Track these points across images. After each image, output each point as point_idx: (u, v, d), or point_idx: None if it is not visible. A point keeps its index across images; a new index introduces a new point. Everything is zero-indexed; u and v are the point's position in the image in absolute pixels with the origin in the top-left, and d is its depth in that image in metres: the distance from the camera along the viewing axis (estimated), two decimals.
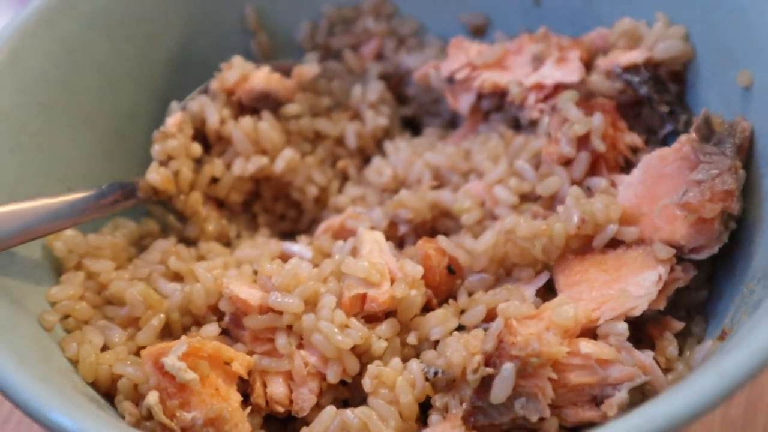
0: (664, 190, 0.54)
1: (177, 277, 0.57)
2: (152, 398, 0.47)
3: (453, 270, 0.55)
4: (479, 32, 0.70)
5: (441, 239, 0.56)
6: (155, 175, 0.59)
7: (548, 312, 0.49)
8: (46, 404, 0.41)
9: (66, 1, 0.59)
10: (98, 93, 0.62)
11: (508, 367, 0.46)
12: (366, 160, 0.67)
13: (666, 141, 0.61)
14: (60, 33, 0.59)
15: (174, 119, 0.60)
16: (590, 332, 0.50)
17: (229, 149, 0.63)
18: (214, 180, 0.62)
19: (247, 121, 0.62)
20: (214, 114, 0.61)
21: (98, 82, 0.62)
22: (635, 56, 0.60)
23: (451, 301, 0.55)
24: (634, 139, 0.60)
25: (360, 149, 0.67)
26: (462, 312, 0.54)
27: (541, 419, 0.47)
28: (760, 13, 0.54)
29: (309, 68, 0.65)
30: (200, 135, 0.62)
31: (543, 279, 0.55)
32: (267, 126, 0.62)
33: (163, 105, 0.64)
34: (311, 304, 0.52)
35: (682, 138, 0.54)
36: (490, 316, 0.52)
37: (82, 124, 0.61)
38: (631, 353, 0.48)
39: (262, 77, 0.63)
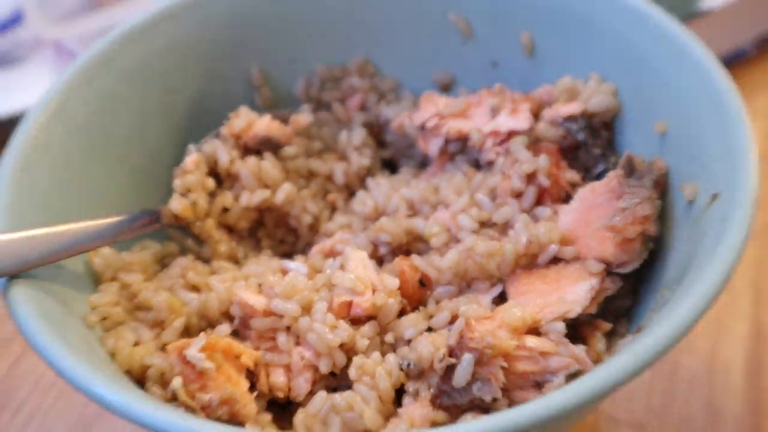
0: (595, 216, 0.59)
1: (194, 288, 0.61)
2: (177, 383, 0.52)
3: (424, 283, 0.60)
4: (446, 88, 0.75)
5: (414, 258, 0.61)
6: (177, 205, 0.63)
7: (500, 314, 0.54)
8: (92, 382, 0.46)
9: (102, 62, 0.64)
10: (129, 137, 0.66)
11: (467, 358, 0.51)
12: (351, 194, 0.71)
13: (599, 177, 0.65)
14: (98, 88, 0.64)
15: (191, 159, 0.64)
16: (535, 331, 0.54)
17: (237, 184, 0.66)
18: (225, 209, 0.66)
19: (252, 160, 0.66)
20: (225, 155, 0.65)
21: (129, 128, 0.66)
22: (573, 108, 0.65)
23: (421, 308, 0.59)
24: (573, 176, 0.65)
25: (347, 185, 0.71)
26: (431, 317, 0.59)
27: (494, 400, 0.52)
28: (674, 74, 0.59)
29: (304, 117, 0.70)
30: (213, 172, 0.66)
31: (497, 290, 0.60)
32: (269, 165, 0.66)
33: (182, 147, 0.68)
34: (306, 309, 0.57)
35: (610, 174, 0.60)
36: (454, 320, 0.57)
37: (116, 162, 0.65)
38: (567, 347, 0.53)
39: (265, 124, 0.68)
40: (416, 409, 0.52)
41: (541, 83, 0.69)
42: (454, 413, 0.53)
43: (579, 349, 0.53)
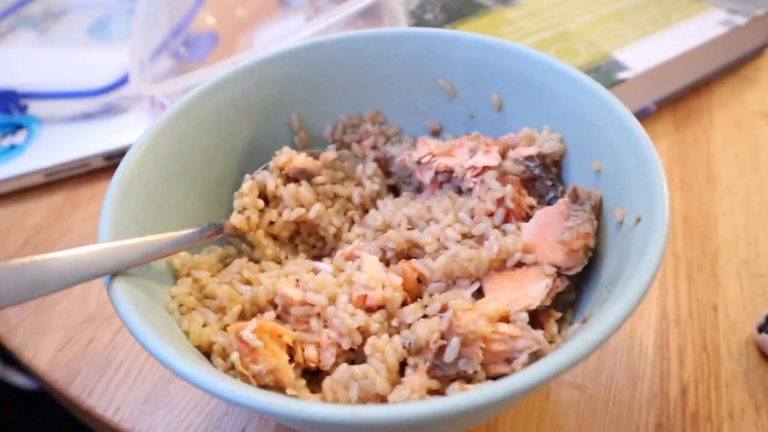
0: (549, 231, 0.56)
1: (248, 282, 0.59)
2: (235, 356, 0.49)
3: (420, 280, 0.57)
4: (436, 134, 0.72)
5: (413, 261, 0.58)
6: (235, 220, 0.61)
7: (480, 306, 0.51)
8: (173, 358, 0.43)
9: (182, 112, 0.62)
10: (200, 168, 0.63)
11: (455, 340, 0.49)
12: (366, 211, 0.68)
13: (550, 202, 0.63)
14: (179, 131, 0.61)
15: (247, 185, 0.62)
16: (505, 319, 0.52)
17: (280, 203, 0.64)
18: (271, 223, 0.63)
19: (291, 186, 0.64)
20: (272, 182, 0.63)
21: (201, 161, 0.63)
22: (531, 150, 0.62)
23: (419, 300, 0.57)
24: (531, 200, 0.62)
25: (362, 204, 0.68)
26: (426, 306, 0.56)
27: (475, 372, 0.49)
28: (605, 126, 0.57)
29: (330, 154, 0.67)
30: (263, 195, 0.64)
31: (476, 286, 0.56)
32: (304, 189, 0.64)
33: (240, 176, 0.66)
34: (332, 300, 0.54)
35: (560, 201, 0.57)
36: (444, 309, 0.54)
37: (190, 188, 0.63)
38: (529, 332, 0.51)
39: (302, 159, 0.65)
40: (416, 379, 0.50)
41: (507, 131, 0.66)
42: (444, 382, 0.50)
43: (538, 333, 0.51)
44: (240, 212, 0.62)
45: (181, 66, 1.01)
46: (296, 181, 0.66)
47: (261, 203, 0.64)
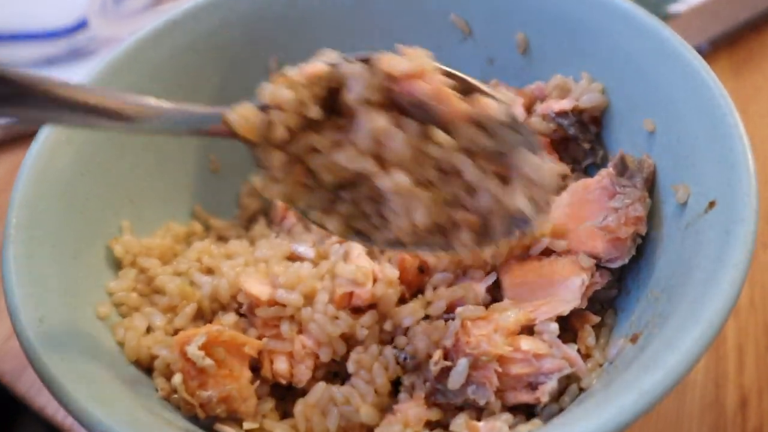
0: (587, 212, 0.44)
1: (209, 271, 0.47)
2: (177, 379, 0.38)
3: (423, 269, 0.45)
4: None
5: None
6: (244, 115, 0.37)
7: (495, 315, 0.39)
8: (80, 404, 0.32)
9: (126, 60, 0.50)
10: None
11: (462, 363, 0.37)
12: None
13: (587, 170, 0.51)
14: (125, 83, 0.50)
15: (313, 68, 0.36)
16: (528, 329, 0.40)
17: (349, 130, 0.37)
18: (314, 150, 0.37)
19: (382, 120, 0.36)
20: (361, 88, 0.36)
21: None
22: (565, 104, 0.50)
23: (420, 296, 0.44)
24: (563, 167, 0.49)
25: None
26: (428, 303, 0.44)
27: (487, 402, 0.37)
28: (662, 74, 0.44)
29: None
30: (327, 101, 0.37)
31: (491, 278, 0.44)
32: (401, 139, 0.37)
33: (204, 139, 0.53)
34: (309, 299, 0.43)
35: (603, 172, 0.44)
36: (450, 308, 0.42)
37: (143, 151, 0.50)
38: (560, 348, 0.39)
39: (439, 80, 0.38)
40: (411, 408, 0.38)
41: (534, 80, 0.53)
42: (448, 411, 0.38)
43: (570, 349, 0.39)
44: (264, 109, 0.37)
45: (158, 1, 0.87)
46: (399, 111, 0.37)
47: (316, 112, 0.37)
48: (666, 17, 0.72)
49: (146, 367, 0.41)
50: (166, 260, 0.47)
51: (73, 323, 0.38)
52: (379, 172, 0.37)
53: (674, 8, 0.73)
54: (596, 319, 0.43)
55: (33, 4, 0.85)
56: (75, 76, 0.78)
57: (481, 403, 0.37)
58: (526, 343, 0.38)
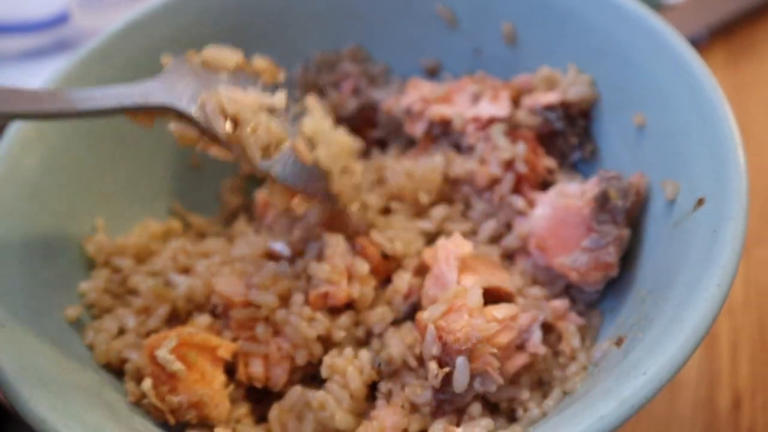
0: (564, 234, 0.42)
1: (185, 270, 0.45)
2: (146, 384, 0.37)
3: (386, 255, 0.44)
4: (433, 73, 0.57)
5: (373, 233, 0.44)
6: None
7: (460, 300, 0.38)
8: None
9: (99, 55, 0.49)
10: (131, 127, 0.49)
11: (461, 361, 0.36)
12: None
13: (575, 165, 0.49)
14: (95, 78, 0.48)
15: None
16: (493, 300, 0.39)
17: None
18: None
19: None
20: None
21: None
22: (552, 97, 0.48)
23: (390, 283, 0.43)
24: (550, 162, 0.48)
25: None
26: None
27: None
28: (654, 67, 0.43)
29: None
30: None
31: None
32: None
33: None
34: (284, 299, 0.41)
35: (588, 197, 0.42)
36: (408, 295, 0.42)
37: (120, 147, 0.49)
38: (526, 298, 0.41)
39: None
40: (388, 416, 0.37)
41: (521, 72, 0.51)
42: (460, 414, 0.37)
43: (536, 291, 0.40)
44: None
45: None
46: None
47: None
48: (662, 7, 0.70)
49: (117, 370, 0.40)
50: (142, 259, 0.46)
51: (38, 327, 0.36)
52: None
53: None
54: (580, 321, 0.41)
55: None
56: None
57: (492, 390, 0.36)
58: (498, 312, 0.37)
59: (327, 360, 0.39)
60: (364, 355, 0.39)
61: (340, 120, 0.54)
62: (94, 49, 0.48)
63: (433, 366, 0.36)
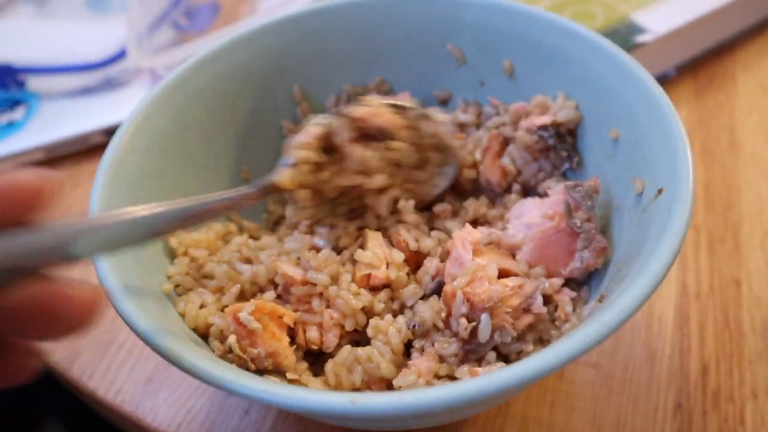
0: (552, 252, 0.52)
1: (248, 261, 0.55)
2: (232, 339, 0.46)
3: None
4: (444, 102, 0.68)
5: (402, 232, 0.55)
6: (287, 176, 0.51)
7: (480, 272, 0.48)
8: (162, 343, 0.40)
9: (177, 84, 0.58)
10: (199, 142, 0.60)
11: (485, 317, 0.45)
12: None
13: (564, 174, 0.60)
14: (174, 104, 0.58)
15: (313, 131, 0.52)
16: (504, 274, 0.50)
17: (342, 162, 0.55)
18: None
19: (360, 149, 0.54)
20: (344, 134, 0.54)
21: (199, 135, 0.60)
22: (545, 119, 0.58)
23: (419, 272, 0.53)
24: (544, 166, 0.60)
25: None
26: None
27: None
28: (624, 92, 0.53)
29: (414, 111, 0.58)
30: (325, 146, 0.54)
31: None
32: (374, 157, 0.55)
33: (240, 150, 0.63)
34: (335, 279, 0.51)
35: (556, 218, 0.52)
36: (437, 275, 0.52)
37: (189, 163, 0.59)
38: (528, 274, 0.51)
39: (387, 117, 0.55)
40: (422, 363, 0.47)
41: (519, 99, 0.62)
42: (479, 363, 0.47)
43: (537, 271, 0.51)
44: (294, 166, 0.51)
45: (182, 37, 0.97)
46: (367, 138, 0.54)
47: (321, 158, 0.52)
48: (634, 47, 0.80)
49: (202, 334, 0.49)
50: (211, 252, 0.56)
51: (147, 292, 0.46)
52: (366, 179, 0.54)
53: (641, 38, 0.80)
54: (573, 294, 0.51)
55: (72, 42, 0.94)
56: (109, 103, 0.88)
57: (508, 341, 0.46)
58: (509, 282, 0.47)
59: (372, 322, 0.49)
60: (401, 319, 0.49)
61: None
62: (173, 80, 0.57)
63: (463, 321, 0.46)
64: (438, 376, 0.46)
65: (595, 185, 0.53)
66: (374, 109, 0.53)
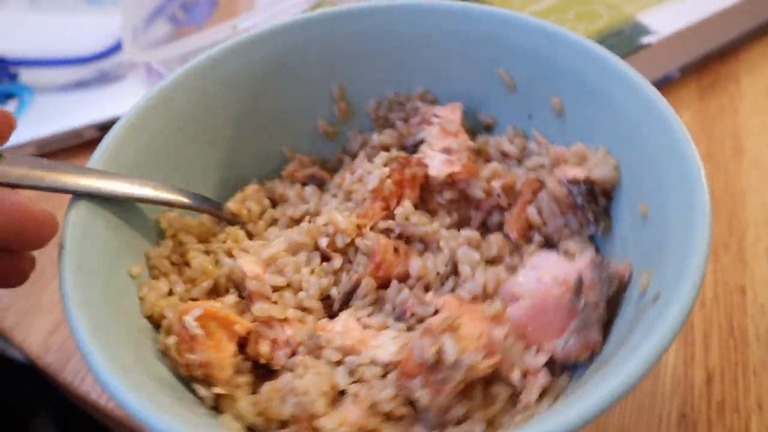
0: (545, 319, 0.46)
1: (231, 255, 0.54)
2: (172, 340, 0.46)
3: (397, 249, 0.52)
4: (488, 128, 0.63)
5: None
6: (235, 206, 0.59)
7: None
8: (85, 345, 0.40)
9: (205, 67, 0.58)
10: (222, 127, 0.60)
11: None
12: None
13: (592, 237, 0.53)
14: (200, 87, 0.57)
15: (252, 188, 0.61)
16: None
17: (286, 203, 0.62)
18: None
19: (298, 187, 0.62)
20: (280, 188, 0.62)
21: (223, 120, 0.60)
22: (578, 172, 0.52)
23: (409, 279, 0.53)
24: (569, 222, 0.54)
25: None
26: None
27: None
28: (666, 164, 0.46)
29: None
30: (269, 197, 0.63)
31: None
32: (311, 190, 0.61)
33: (267, 139, 0.63)
34: (295, 287, 0.51)
35: (564, 288, 0.46)
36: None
37: (207, 147, 0.59)
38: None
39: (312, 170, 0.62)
40: (352, 412, 0.44)
41: (565, 141, 0.56)
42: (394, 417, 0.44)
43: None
44: (241, 203, 0.59)
45: (179, 31, 0.94)
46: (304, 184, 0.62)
47: (267, 203, 0.60)
48: (639, 48, 0.76)
49: (156, 323, 0.49)
50: (203, 239, 0.56)
51: (108, 275, 0.47)
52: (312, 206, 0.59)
53: (646, 39, 0.77)
54: (547, 380, 0.45)
55: (66, 35, 0.92)
56: (103, 98, 0.86)
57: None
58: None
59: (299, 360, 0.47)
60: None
61: (403, 148, 0.62)
62: (202, 63, 0.56)
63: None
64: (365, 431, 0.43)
65: (624, 272, 0.46)
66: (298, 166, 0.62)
